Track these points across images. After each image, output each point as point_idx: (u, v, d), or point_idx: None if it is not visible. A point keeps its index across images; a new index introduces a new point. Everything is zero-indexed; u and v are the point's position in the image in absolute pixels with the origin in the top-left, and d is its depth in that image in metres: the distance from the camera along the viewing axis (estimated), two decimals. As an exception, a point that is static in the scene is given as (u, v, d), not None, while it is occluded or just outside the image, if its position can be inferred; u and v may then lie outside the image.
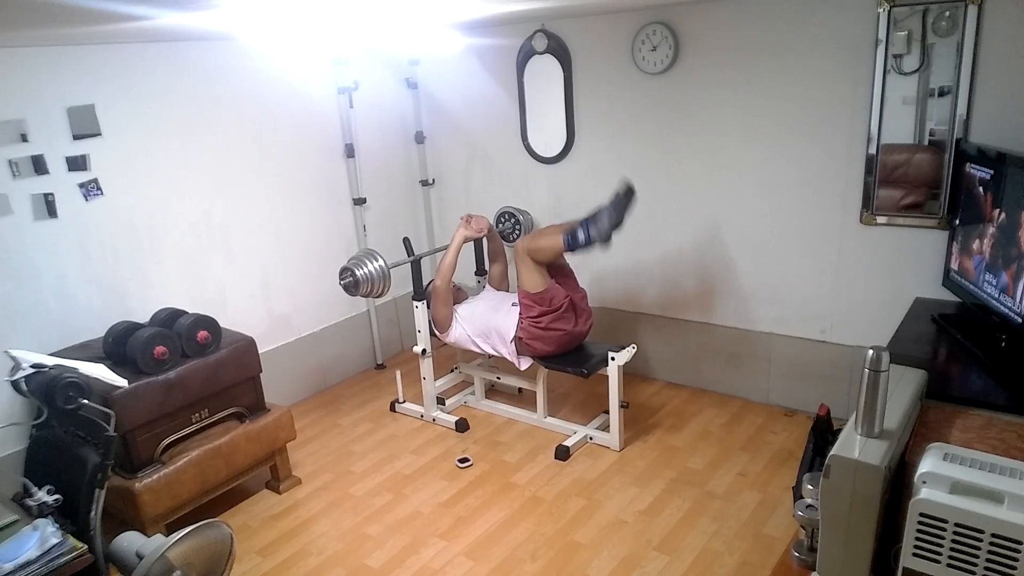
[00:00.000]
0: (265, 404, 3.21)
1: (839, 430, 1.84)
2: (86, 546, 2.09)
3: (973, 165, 2.73)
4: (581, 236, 3.20)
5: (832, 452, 1.72)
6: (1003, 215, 2.50)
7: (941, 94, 2.91)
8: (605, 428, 3.49)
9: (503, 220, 4.26)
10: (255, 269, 3.86)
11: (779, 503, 2.95)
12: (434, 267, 4.64)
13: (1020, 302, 2.38)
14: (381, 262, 3.47)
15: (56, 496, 2.21)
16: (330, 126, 4.14)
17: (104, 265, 3.22)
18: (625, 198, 3.22)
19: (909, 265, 3.16)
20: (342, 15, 2.55)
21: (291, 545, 2.92)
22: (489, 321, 3.54)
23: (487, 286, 3.95)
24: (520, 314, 3.41)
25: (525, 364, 3.49)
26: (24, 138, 2.90)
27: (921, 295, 3.10)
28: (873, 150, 3.12)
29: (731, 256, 3.66)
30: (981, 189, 2.66)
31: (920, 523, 1.55)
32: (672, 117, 3.63)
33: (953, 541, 1.52)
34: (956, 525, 1.51)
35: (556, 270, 3.43)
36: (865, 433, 1.75)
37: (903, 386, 1.98)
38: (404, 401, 3.99)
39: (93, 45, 3.06)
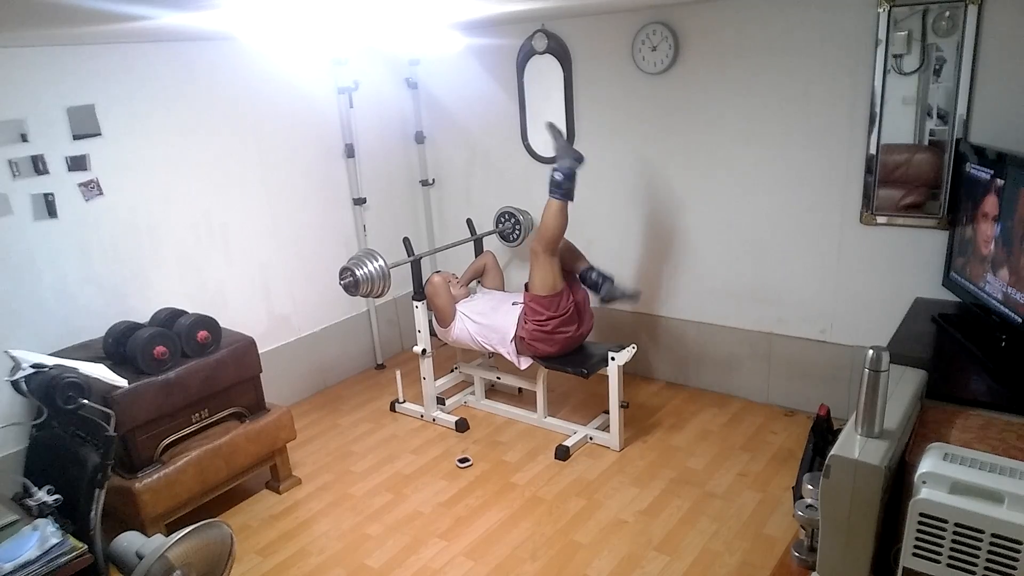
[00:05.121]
0: (265, 404, 3.21)
1: (839, 430, 1.84)
2: (86, 546, 2.09)
3: (973, 165, 2.73)
4: (559, 177, 3.30)
5: (832, 452, 1.72)
6: (1003, 215, 2.50)
7: (941, 94, 2.91)
8: (605, 428, 3.49)
9: (503, 220, 4.26)
10: (255, 269, 3.86)
11: (779, 503, 2.95)
12: (434, 267, 4.65)
13: (1019, 302, 2.38)
14: (381, 262, 3.47)
15: (56, 496, 2.21)
16: (330, 126, 4.14)
17: (104, 265, 3.22)
18: (555, 135, 3.49)
19: (909, 265, 3.16)
20: (342, 15, 2.55)
21: (291, 545, 2.92)
22: (489, 319, 3.54)
23: (480, 287, 3.95)
24: (524, 315, 3.40)
25: (525, 364, 3.49)
26: (24, 138, 2.90)
27: (921, 295, 3.10)
28: (873, 150, 3.11)
29: (731, 256, 3.66)
30: (981, 189, 2.66)
31: (920, 523, 1.55)
32: (672, 117, 3.63)
33: (953, 541, 1.52)
34: (956, 525, 1.51)
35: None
36: (865, 433, 1.75)
37: (903, 386, 1.98)
38: (404, 401, 3.99)
39: (93, 45, 3.06)
